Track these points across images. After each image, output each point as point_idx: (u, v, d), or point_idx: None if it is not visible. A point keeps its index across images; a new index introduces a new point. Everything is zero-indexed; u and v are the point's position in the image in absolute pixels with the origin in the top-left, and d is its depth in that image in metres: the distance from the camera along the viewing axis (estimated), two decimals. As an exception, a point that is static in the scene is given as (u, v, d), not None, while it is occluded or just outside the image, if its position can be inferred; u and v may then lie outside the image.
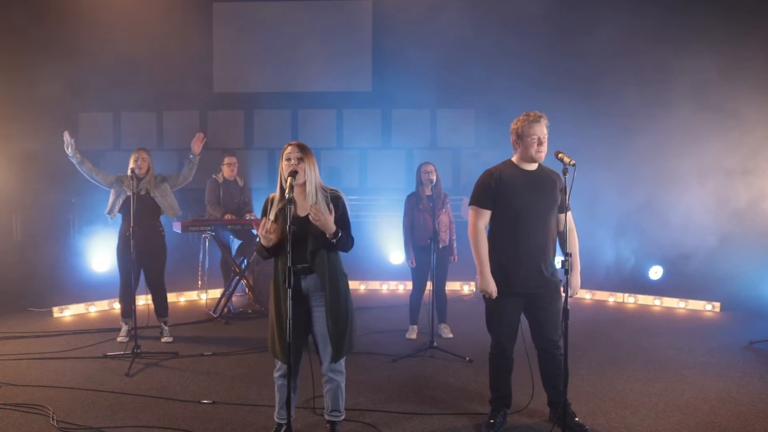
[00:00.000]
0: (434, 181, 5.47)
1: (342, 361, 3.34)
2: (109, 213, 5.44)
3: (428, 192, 5.50)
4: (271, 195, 3.34)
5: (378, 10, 10.59)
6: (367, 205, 10.05)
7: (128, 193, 5.34)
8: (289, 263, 2.99)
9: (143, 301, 6.33)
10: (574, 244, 3.59)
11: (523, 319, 3.62)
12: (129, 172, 5.38)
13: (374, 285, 8.25)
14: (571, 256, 3.26)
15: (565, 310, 3.26)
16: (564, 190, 3.28)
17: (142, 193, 5.36)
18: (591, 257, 7.01)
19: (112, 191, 5.45)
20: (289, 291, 3.00)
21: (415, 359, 5.03)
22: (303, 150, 3.22)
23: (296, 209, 3.24)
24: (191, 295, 7.52)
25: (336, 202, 3.25)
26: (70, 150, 5.28)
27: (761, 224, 7.35)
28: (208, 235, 6.87)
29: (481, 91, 9.83)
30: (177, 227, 6.35)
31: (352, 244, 3.31)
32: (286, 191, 3.03)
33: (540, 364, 3.65)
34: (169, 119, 10.65)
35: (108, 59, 9.37)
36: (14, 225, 9.03)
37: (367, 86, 10.75)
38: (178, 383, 4.44)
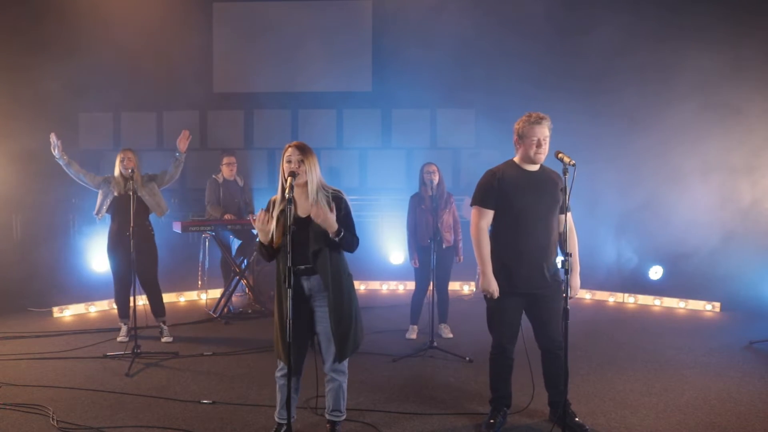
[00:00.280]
0: (435, 181, 5.47)
1: (345, 362, 3.35)
2: (97, 214, 5.45)
3: (431, 192, 5.50)
4: (273, 197, 3.34)
5: (378, 9, 10.58)
6: (367, 205, 10.05)
7: (115, 194, 5.37)
8: (289, 263, 2.99)
9: (143, 301, 6.32)
10: (574, 244, 3.59)
11: (524, 320, 3.62)
12: (116, 173, 5.39)
13: (374, 285, 8.26)
14: (570, 256, 3.26)
15: (565, 310, 3.26)
16: (565, 190, 3.28)
17: (130, 192, 5.35)
18: (591, 257, 7.02)
19: (100, 192, 5.46)
20: (289, 291, 3.00)
21: (415, 359, 5.03)
22: (303, 151, 3.22)
23: (297, 210, 3.24)
24: (191, 295, 7.52)
25: (338, 202, 3.25)
26: (57, 152, 5.29)
27: (763, 223, 7.35)
28: (208, 235, 6.87)
29: (481, 91, 9.81)
30: (177, 227, 6.35)
31: (357, 244, 3.31)
32: (286, 191, 3.04)
33: (543, 364, 3.65)
34: (169, 119, 10.64)
35: (108, 59, 9.36)
36: (14, 225, 9.03)
37: (367, 86, 10.74)
38: (178, 383, 4.44)
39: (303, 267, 3.20)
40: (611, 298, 7.44)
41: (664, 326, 6.23)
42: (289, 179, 3.09)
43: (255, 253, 6.59)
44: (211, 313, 6.61)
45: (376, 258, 9.00)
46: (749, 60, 7.56)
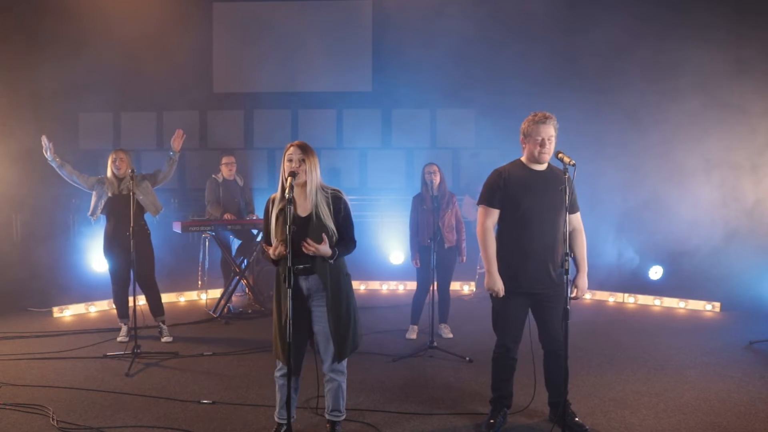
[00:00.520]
0: (436, 181, 5.46)
1: (344, 362, 3.34)
2: (92, 215, 5.43)
3: (432, 192, 5.49)
4: (273, 195, 3.34)
5: (378, 9, 10.58)
6: (367, 205, 10.05)
7: (109, 194, 5.36)
8: (289, 263, 2.99)
9: (142, 301, 6.32)
10: (582, 245, 3.59)
11: (530, 320, 3.62)
12: (108, 174, 5.38)
13: (374, 285, 8.25)
14: (571, 255, 3.25)
15: (565, 310, 3.26)
16: (565, 190, 3.28)
17: (124, 192, 5.35)
18: (592, 256, 7.00)
19: (94, 193, 5.45)
20: (289, 291, 3.00)
21: (415, 359, 5.02)
22: (305, 151, 3.22)
23: (297, 209, 3.24)
24: (191, 295, 7.52)
25: (337, 202, 3.25)
26: (49, 154, 5.28)
27: (764, 223, 7.34)
28: (208, 235, 6.86)
29: (481, 91, 9.82)
30: (177, 227, 6.34)
31: (354, 247, 3.31)
32: (286, 191, 3.04)
33: (545, 364, 3.65)
34: (169, 119, 10.63)
35: (108, 59, 9.36)
36: (14, 225, 9.04)
37: (367, 86, 10.75)
38: (178, 383, 4.44)
39: (302, 267, 3.20)
40: (611, 298, 7.43)
41: (664, 326, 6.23)
42: (289, 179, 3.09)
43: (255, 253, 6.60)
44: (211, 313, 6.61)
45: (376, 258, 8.99)
46: (752, 59, 7.55)
